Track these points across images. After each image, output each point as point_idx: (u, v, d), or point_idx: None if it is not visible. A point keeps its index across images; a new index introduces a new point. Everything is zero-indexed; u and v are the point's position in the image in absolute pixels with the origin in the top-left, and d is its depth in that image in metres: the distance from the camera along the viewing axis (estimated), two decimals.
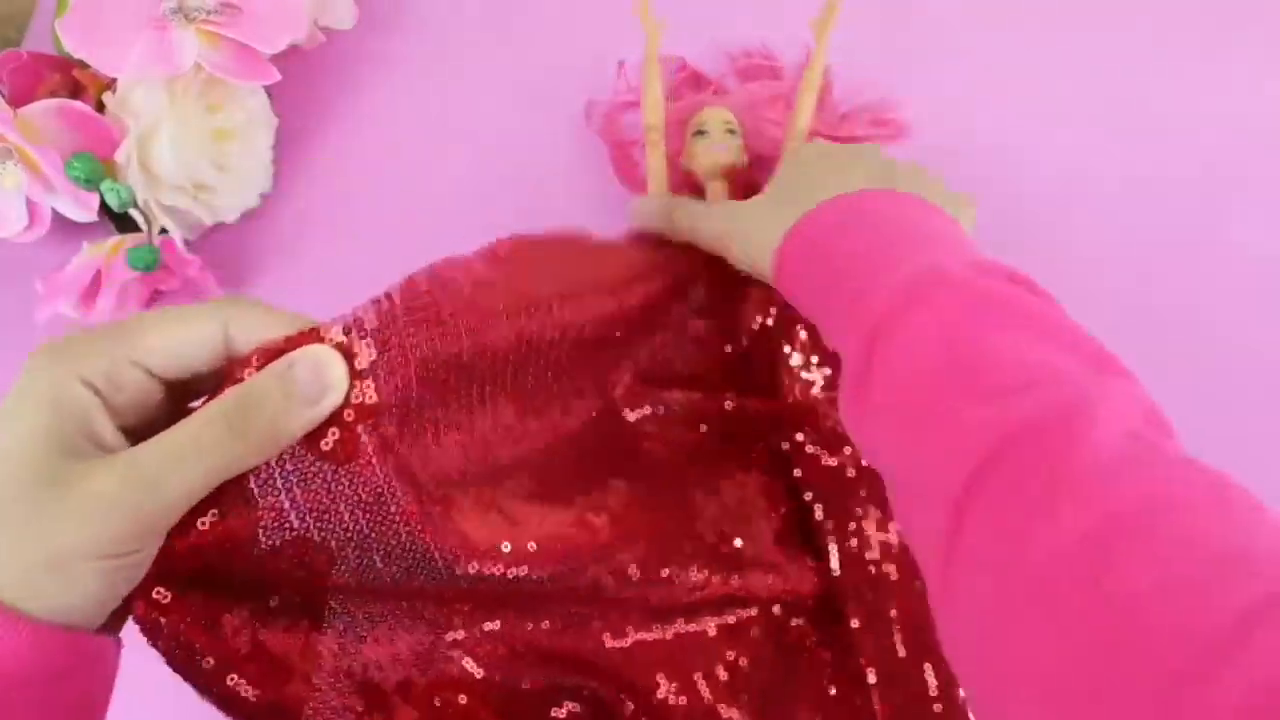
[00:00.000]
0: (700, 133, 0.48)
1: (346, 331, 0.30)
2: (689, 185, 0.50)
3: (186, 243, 0.50)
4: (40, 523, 0.25)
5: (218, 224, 0.53)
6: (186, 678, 0.30)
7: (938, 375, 0.29)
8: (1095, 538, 0.23)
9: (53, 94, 0.49)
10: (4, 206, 0.48)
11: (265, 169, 0.54)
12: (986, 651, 0.25)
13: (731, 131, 0.49)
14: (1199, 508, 0.24)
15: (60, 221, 0.49)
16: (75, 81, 0.51)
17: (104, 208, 0.49)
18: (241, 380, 0.28)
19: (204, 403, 0.28)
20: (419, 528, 0.32)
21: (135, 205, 0.48)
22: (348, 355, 0.30)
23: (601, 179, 0.54)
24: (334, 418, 0.29)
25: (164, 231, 0.49)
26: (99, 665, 0.27)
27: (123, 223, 0.49)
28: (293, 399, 0.27)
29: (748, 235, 0.40)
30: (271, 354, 0.28)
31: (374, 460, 0.30)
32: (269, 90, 0.53)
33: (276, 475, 0.29)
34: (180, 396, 0.29)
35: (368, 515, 0.31)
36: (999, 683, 0.25)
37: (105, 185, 0.47)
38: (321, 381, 0.28)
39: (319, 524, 0.30)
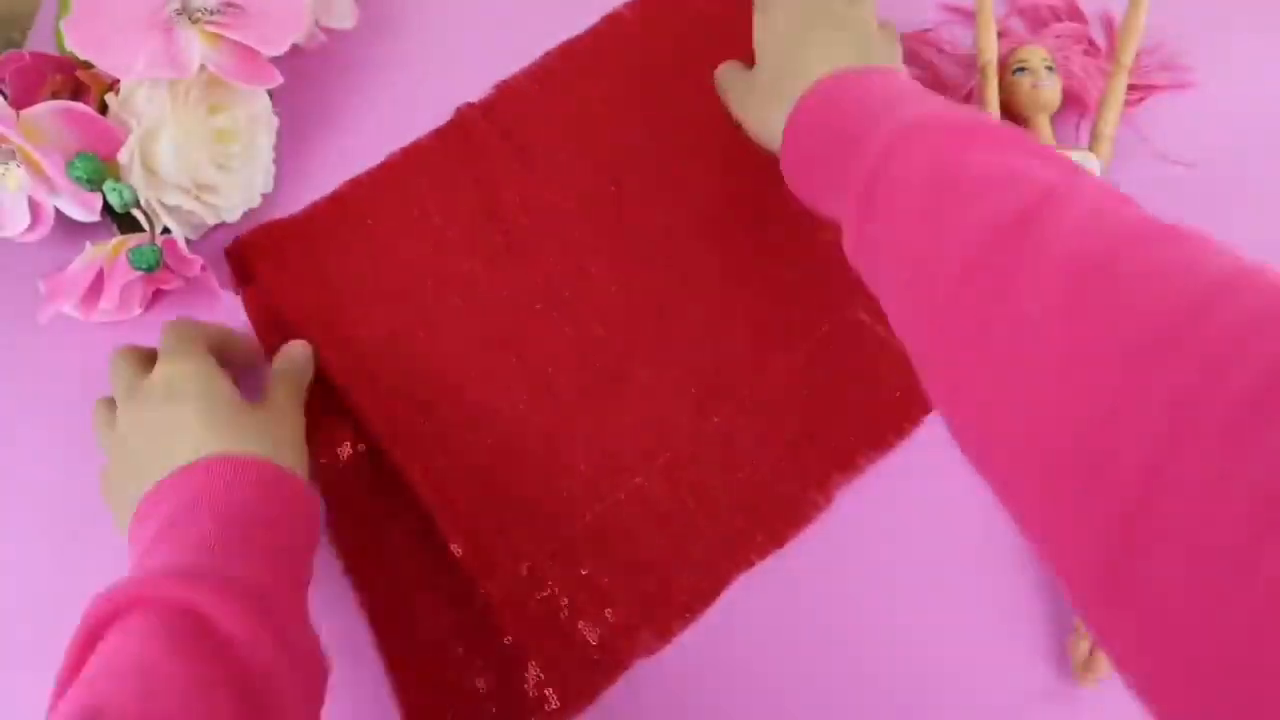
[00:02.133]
0: (1021, 69, 0.53)
1: None
2: (1011, 119, 0.55)
3: (188, 242, 0.50)
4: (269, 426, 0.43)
5: (220, 224, 0.53)
6: None
7: (929, 191, 0.33)
8: (1070, 276, 0.27)
9: (55, 94, 0.50)
10: (7, 207, 0.48)
11: (267, 169, 0.54)
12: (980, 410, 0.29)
13: (1050, 69, 0.53)
14: (1161, 242, 0.27)
15: (63, 222, 0.49)
16: (78, 82, 0.51)
17: (106, 208, 0.49)
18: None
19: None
20: None
21: (137, 205, 0.48)
22: None
23: None
24: None
25: (166, 231, 0.49)
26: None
27: (125, 223, 0.50)
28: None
29: (760, 121, 0.47)
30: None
31: None
32: (270, 90, 0.53)
33: None
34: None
35: None
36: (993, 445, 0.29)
37: (107, 185, 0.47)
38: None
39: None
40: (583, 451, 0.47)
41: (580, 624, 0.44)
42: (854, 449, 0.47)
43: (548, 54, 0.58)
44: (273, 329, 0.50)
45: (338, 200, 0.54)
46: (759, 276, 0.51)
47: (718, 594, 0.45)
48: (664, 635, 0.44)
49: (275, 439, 0.42)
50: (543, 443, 0.48)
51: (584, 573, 0.45)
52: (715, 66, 0.53)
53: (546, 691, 0.43)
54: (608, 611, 0.44)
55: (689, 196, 0.53)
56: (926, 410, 0.48)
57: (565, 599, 0.44)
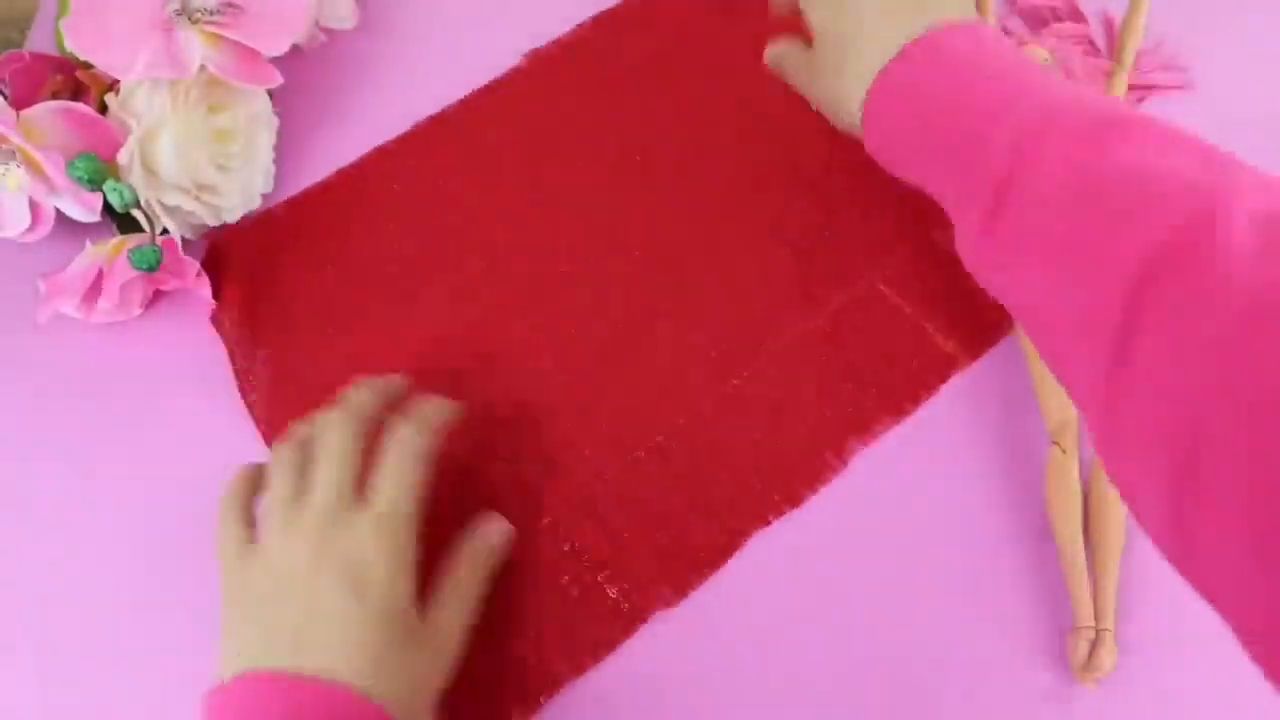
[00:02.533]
0: None
1: None
2: None
3: (185, 241, 0.50)
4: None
5: (219, 224, 0.53)
6: None
7: (1071, 205, 0.30)
8: (1259, 329, 0.25)
9: (55, 95, 0.50)
10: (7, 207, 0.48)
11: (266, 169, 0.54)
12: (1180, 459, 0.26)
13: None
14: None
15: (63, 222, 0.49)
16: (78, 82, 0.51)
17: (106, 208, 0.49)
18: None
19: None
20: None
21: (138, 205, 0.48)
22: None
23: None
24: None
25: (165, 232, 0.49)
26: None
27: (125, 223, 0.50)
28: None
29: (834, 102, 0.42)
30: None
31: None
32: (270, 90, 0.53)
33: None
34: None
35: None
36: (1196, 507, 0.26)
37: (108, 185, 0.47)
38: None
39: None
40: (604, 410, 0.49)
41: (600, 577, 0.45)
42: (870, 416, 0.48)
43: (580, 25, 0.60)
44: (246, 328, 0.51)
45: (355, 172, 0.55)
46: (779, 244, 0.52)
47: (735, 549, 0.46)
48: (681, 590, 0.45)
49: (420, 683, 0.35)
50: (564, 401, 0.49)
51: (605, 528, 0.46)
52: (722, 47, 0.54)
53: (571, 640, 0.44)
54: (627, 566, 0.45)
55: (713, 166, 0.55)
56: (943, 379, 0.49)
57: (586, 553, 0.45)
